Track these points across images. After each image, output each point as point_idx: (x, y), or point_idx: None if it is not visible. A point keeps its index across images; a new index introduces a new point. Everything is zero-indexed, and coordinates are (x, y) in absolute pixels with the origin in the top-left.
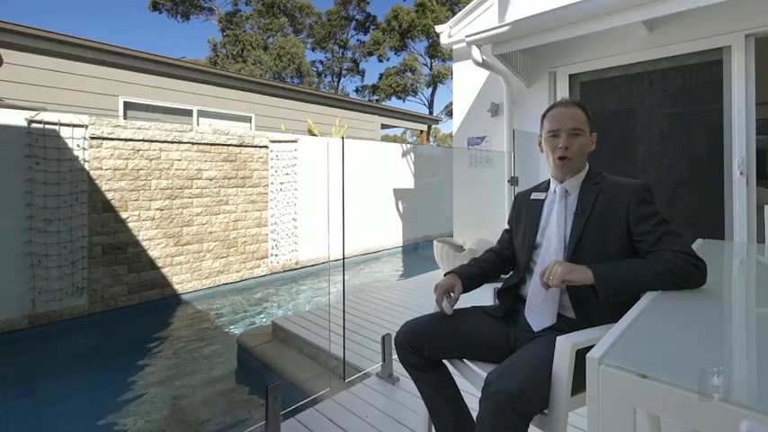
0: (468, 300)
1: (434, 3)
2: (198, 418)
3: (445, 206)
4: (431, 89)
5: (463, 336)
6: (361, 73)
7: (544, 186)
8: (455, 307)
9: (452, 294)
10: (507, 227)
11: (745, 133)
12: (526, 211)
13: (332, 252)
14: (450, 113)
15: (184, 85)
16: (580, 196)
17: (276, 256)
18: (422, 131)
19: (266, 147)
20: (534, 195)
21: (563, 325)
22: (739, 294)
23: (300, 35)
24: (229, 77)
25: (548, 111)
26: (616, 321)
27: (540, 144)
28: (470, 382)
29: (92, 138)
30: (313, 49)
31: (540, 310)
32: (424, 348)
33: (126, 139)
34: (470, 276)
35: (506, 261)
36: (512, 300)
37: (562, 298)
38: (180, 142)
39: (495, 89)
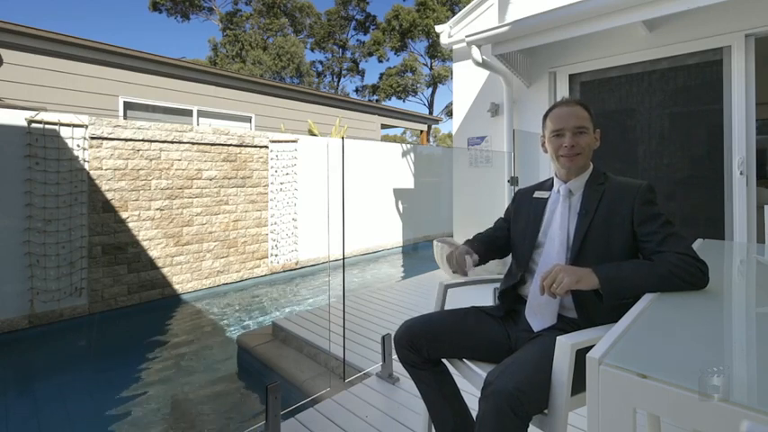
0: (468, 300)
1: (435, 3)
2: (198, 418)
3: (445, 206)
4: (431, 89)
5: (462, 335)
6: (361, 73)
7: (548, 185)
8: (454, 307)
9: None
10: (503, 215)
11: (745, 133)
12: (527, 208)
13: (332, 252)
14: (450, 113)
15: (184, 85)
16: (584, 196)
17: (276, 256)
18: (422, 131)
19: (266, 147)
20: (537, 194)
21: (564, 325)
22: (739, 294)
23: (300, 35)
24: (229, 77)
25: (549, 111)
26: (617, 321)
27: (543, 144)
28: (470, 381)
29: (92, 138)
30: (312, 50)
31: (540, 310)
32: (423, 347)
33: (126, 139)
34: (482, 242)
35: (503, 247)
36: (512, 300)
37: (563, 298)
38: (180, 142)
39: (495, 89)
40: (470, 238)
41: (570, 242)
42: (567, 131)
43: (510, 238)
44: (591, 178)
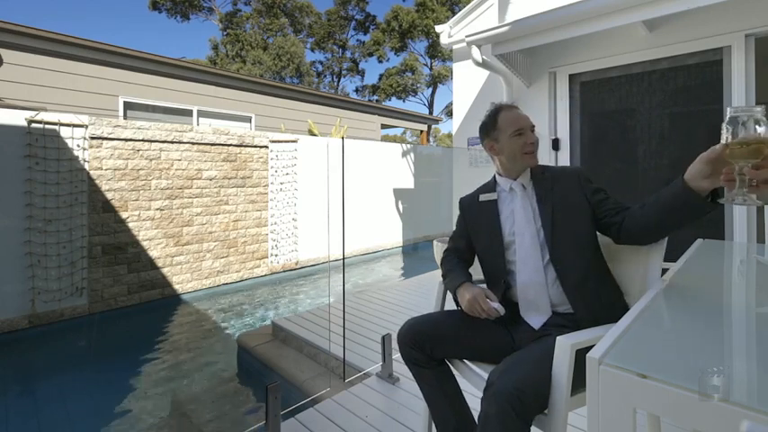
0: None
1: (435, 3)
2: (198, 418)
3: (445, 206)
4: (431, 89)
5: (465, 336)
6: (361, 73)
7: (490, 186)
8: (454, 307)
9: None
10: (456, 230)
11: None
12: (480, 215)
13: (332, 252)
14: (450, 113)
15: (184, 85)
16: (536, 187)
17: (276, 256)
18: (422, 131)
19: (266, 147)
20: (484, 197)
21: (563, 320)
22: (739, 294)
23: (300, 35)
24: (229, 77)
25: (497, 115)
26: (617, 320)
27: (492, 148)
28: (471, 382)
29: (92, 138)
30: (312, 50)
31: (534, 305)
32: (426, 345)
33: (126, 139)
34: (465, 265)
35: (471, 259)
36: (506, 306)
37: (552, 296)
38: (180, 142)
39: (495, 89)
40: (458, 272)
41: (540, 232)
42: (528, 130)
43: (474, 250)
44: (533, 171)
